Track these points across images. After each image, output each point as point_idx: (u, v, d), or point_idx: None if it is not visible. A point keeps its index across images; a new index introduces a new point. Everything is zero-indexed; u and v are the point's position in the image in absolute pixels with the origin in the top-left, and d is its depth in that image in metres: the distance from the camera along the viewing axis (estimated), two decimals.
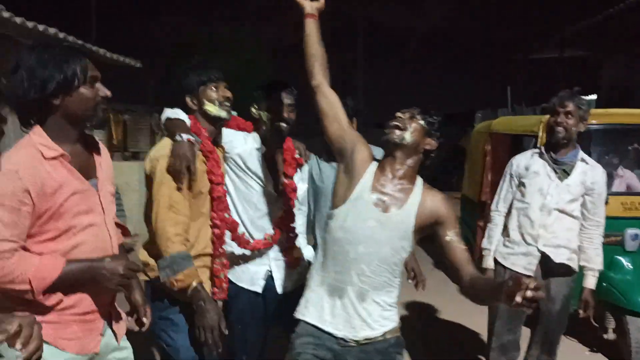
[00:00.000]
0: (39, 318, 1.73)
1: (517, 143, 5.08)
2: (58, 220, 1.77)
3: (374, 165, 2.14)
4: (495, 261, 3.25)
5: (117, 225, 2.11)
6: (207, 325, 2.21)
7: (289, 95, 2.65)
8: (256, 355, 2.75)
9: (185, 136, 2.31)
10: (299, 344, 2.10)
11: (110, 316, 2.00)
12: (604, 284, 3.86)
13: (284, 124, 2.63)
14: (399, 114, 2.14)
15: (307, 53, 2.19)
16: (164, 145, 2.32)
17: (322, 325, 2.07)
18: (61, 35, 4.33)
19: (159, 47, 15.36)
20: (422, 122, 2.12)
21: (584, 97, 3.13)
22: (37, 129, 1.81)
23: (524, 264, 3.13)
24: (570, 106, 3.04)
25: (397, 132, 2.11)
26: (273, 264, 2.70)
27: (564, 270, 3.12)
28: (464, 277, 2.02)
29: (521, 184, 3.18)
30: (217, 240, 2.47)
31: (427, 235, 2.13)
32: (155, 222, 2.28)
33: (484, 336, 3.61)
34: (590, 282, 3.13)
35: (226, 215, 2.51)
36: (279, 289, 2.69)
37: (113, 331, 2.01)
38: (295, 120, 2.69)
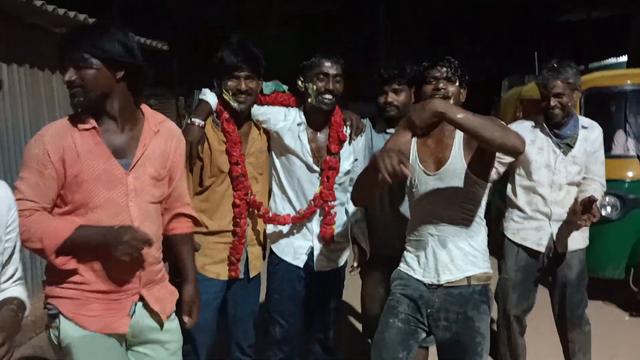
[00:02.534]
0: (59, 292, 1.83)
1: None
2: (75, 192, 1.82)
3: (413, 138, 2.22)
4: (504, 236, 3.14)
5: (185, 215, 2.15)
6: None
7: (335, 64, 2.55)
8: (291, 327, 2.77)
9: (196, 120, 2.46)
10: (392, 286, 2.30)
11: (142, 296, 1.95)
12: None
13: (328, 97, 2.55)
14: (439, 85, 2.18)
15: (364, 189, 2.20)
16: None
17: (411, 273, 2.24)
18: (91, 20, 4.43)
19: (182, 27, 15.30)
20: (456, 80, 2.18)
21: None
22: None
23: (535, 239, 3.04)
24: (558, 86, 2.85)
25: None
26: (316, 240, 2.72)
27: (577, 238, 3.03)
28: None
29: (525, 160, 2.97)
30: (236, 219, 2.54)
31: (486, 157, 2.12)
32: None
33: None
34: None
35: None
36: (316, 266, 2.73)
37: (151, 311, 1.97)
38: (342, 91, 2.60)
